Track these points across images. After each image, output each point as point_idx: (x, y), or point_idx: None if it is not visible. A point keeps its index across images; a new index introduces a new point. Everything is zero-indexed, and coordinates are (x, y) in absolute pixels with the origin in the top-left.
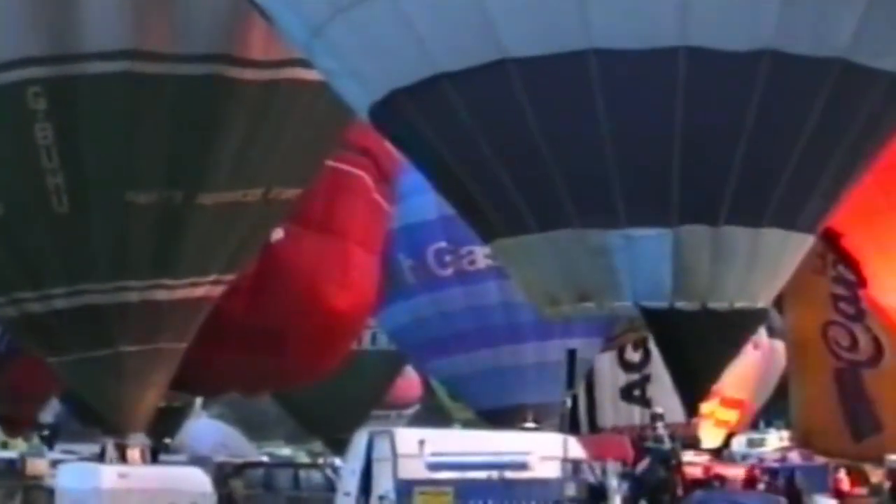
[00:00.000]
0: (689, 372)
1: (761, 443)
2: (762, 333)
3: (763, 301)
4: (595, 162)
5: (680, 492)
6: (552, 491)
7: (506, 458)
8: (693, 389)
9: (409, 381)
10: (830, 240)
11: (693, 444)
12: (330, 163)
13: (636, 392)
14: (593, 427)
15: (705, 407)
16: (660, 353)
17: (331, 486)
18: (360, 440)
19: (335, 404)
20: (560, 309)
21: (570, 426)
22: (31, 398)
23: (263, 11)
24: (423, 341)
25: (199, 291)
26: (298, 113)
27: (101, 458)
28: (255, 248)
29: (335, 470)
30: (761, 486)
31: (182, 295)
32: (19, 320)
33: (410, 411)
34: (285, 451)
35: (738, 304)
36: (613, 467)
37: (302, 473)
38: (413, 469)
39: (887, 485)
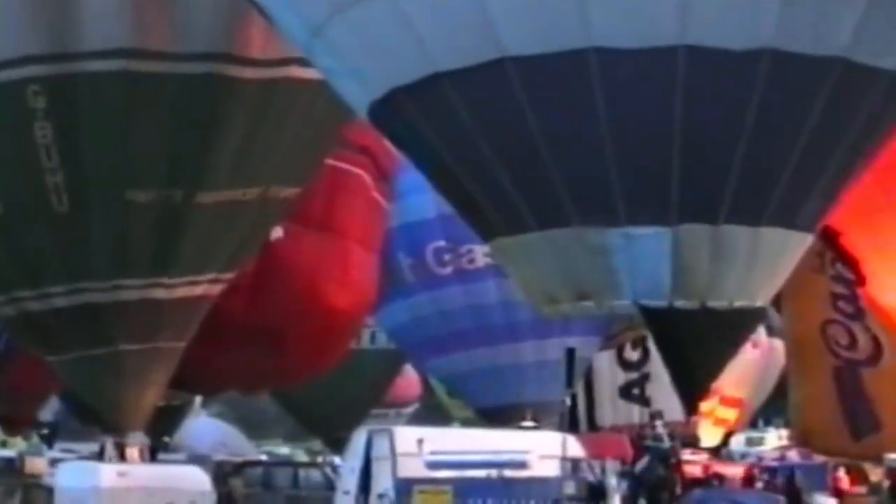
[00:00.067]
0: (688, 370)
1: (760, 441)
2: (761, 332)
3: (762, 300)
4: (594, 161)
5: (679, 490)
6: (551, 489)
7: (505, 457)
8: (692, 388)
9: (408, 380)
10: (829, 238)
11: (692, 442)
12: (329, 161)
13: (635, 391)
14: (592, 426)
15: (704, 406)
16: (659, 352)
17: (330, 485)
18: (359, 439)
19: (334, 403)
20: (559, 308)
21: (569, 425)
22: (31, 397)
23: (263, 10)
24: (422, 340)
25: (198, 290)
26: (297, 112)
27: (100, 456)
28: (255, 246)
29: (334, 469)
30: (759, 485)
31: (181, 294)
32: (18, 319)
33: (409, 410)
34: (284, 449)
35: (738, 303)
36: (612, 466)
37: (301, 472)
38: (412, 468)
39: (886, 483)
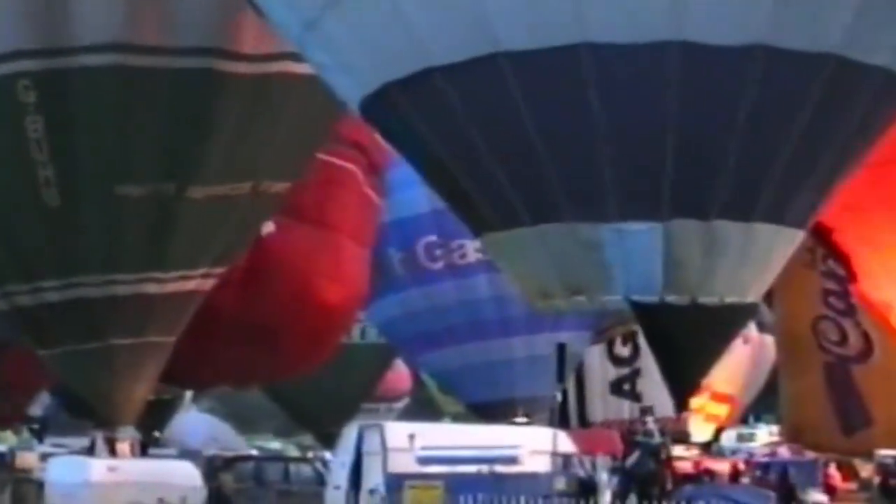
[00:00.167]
0: (679, 366)
1: (751, 437)
2: (752, 328)
3: (753, 296)
4: (587, 156)
5: (669, 486)
6: (542, 485)
7: (496, 452)
8: (683, 384)
9: (399, 375)
10: (821, 235)
11: (683, 438)
12: (321, 156)
13: (626, 386)
14: (583, 421)
15: (695, 401)
16: (650, 348)
17: (321, 480)
18: (349, 434)
19: (325, 398)
20: (551, 302)
21: (560, 420)
22: (21, 392)
23: (255, 5)
24: (413, 335)
25: (189, 285)
26: (290, 107)
27: (90, 451)
28: (246, 241)
29: (325, 464)
30: (745, 480)
31: (173, 288)
32: (10, 313)
33: (400, 404)
34: (275, 444)
35: (729, 299)
36: (603, 461)
37: (292, 467)
38: (403, 463)
39: (877, 480)
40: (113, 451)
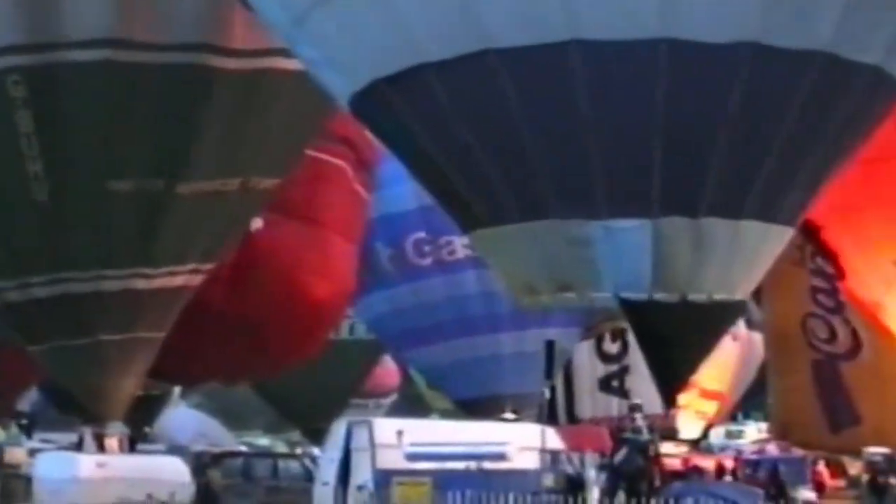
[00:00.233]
0: (668, 363)
1: (739, 435)
2: (741, 325)
3: (742, 293)
4: (576, 153)
5: (657, 483)
6: (530, 482)
7: (484, 449)
8: (671, 381)
9: (387, 370)
10: (810, 233)
11: (671, 435)
12: (310, 152)
13: (614, 383)
14: (571, 418)
15: (683, 398)
16: (638, 345)
17: (309, 476)
18: (338, 430)
19: (313, 394)
20: (538, 299)
21: (548, 417)
22: (10, 388)
23: (245, 1)
24: (401, 331)
25: (177, 280)
26: (280, 102)
27: (79, 447)
28: (235, 237)
29: (313, 460)
30: (728, 478)
31: (161, 284)
32: None
33: (388, 400)
34: (264, 440)
35: (717, 297)
36: (591, 458)
37: (280, 463)
38: (391, 459)
39: (865, 478)
40: (101, 447)
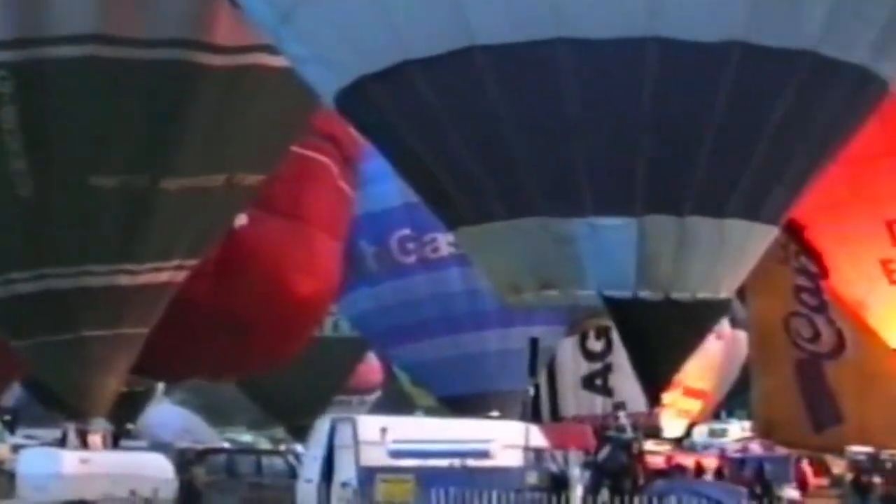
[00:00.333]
0: (652, 362)
1: (723, 433)
2: (725, 324)
3: (726, 291)
4: (562, 150)
5: (641, 480)
6: (514, 479)
7: (468, 446)
8: (655, 379)
9: (371, 367)
10: (794, 232)
11: (655, 433)
12: (295, 149)
13: (598, 381)
14: (555, 416)
15: (667, 397)
16: (622, 343)
17: (293, 473)
18: (322, 427)
19: (297, 391)
20: (523, 297)
21: (532, 415)
22: None
23: None
24: (386, 328)
25: (162, 277)
26: (265, 99)
27: (62, 443)
28: (219, 233)
29: (297, 456)
30: (708, 477)
31: (145, 280)
32: None
33: (372, 397)
34: (247, 437)
35: (702, 295)
36: (575, 456)
37: (264, 460)
38: (375, 456)
39: (849, 476)
40: (85, 443)
